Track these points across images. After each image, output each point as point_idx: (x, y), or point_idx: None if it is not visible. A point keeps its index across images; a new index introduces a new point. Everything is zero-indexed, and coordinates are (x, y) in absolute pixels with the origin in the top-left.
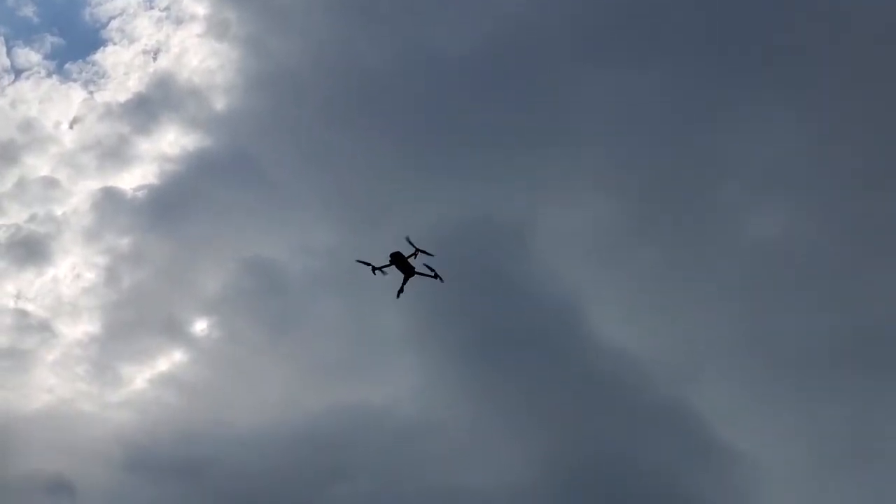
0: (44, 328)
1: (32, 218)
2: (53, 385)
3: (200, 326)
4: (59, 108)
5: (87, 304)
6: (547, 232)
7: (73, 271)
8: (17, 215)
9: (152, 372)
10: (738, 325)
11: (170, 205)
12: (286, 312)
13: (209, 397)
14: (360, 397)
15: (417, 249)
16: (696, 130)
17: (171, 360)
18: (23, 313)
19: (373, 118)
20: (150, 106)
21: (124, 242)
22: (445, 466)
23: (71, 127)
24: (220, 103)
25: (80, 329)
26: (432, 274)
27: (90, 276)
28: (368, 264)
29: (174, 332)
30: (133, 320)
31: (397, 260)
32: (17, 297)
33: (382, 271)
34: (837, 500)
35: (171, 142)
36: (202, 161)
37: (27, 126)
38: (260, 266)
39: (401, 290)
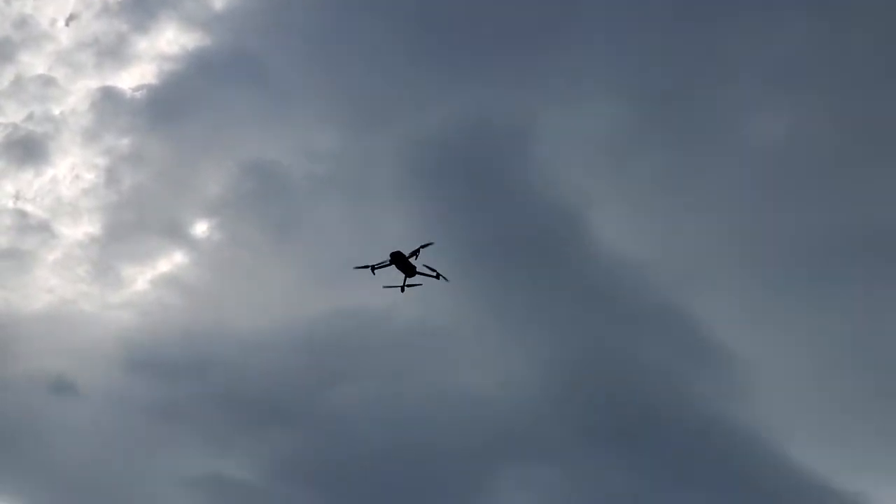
0: (44, 229)
1: (30, 117)
2: (55, 286)
3: (201, 228)
4: (55, 4)
5: (87, 205)
6: (549, 136)
7: (73, 172)
8: (14, 114)
9: (153, 273)
10: (740, 229)
11: (170, 105)
12: (287, 215)
13: (210, 299)
14: (360, 301)
15: (420, 247)
16: (701, 31)
17: (172, 261)
18: (22, 214)
19: (377, 19)
20: (148, 3)
21: (124, 143)
22: (446, 369)
23: (67, 24)
24: (219, 1)
25: (80, 230)
26: (434, 274)
27: (90, 176)
28: (366, 267)
29: (175, 233)
30: (133, 222)
31: (397, 260)
32: (17, 197)
33: (376, 269)
34: (834, 402)
35: (170, 40)
36: (202, 61)
37: (22, 23)
38: (261, 168)
39: (404, 287)
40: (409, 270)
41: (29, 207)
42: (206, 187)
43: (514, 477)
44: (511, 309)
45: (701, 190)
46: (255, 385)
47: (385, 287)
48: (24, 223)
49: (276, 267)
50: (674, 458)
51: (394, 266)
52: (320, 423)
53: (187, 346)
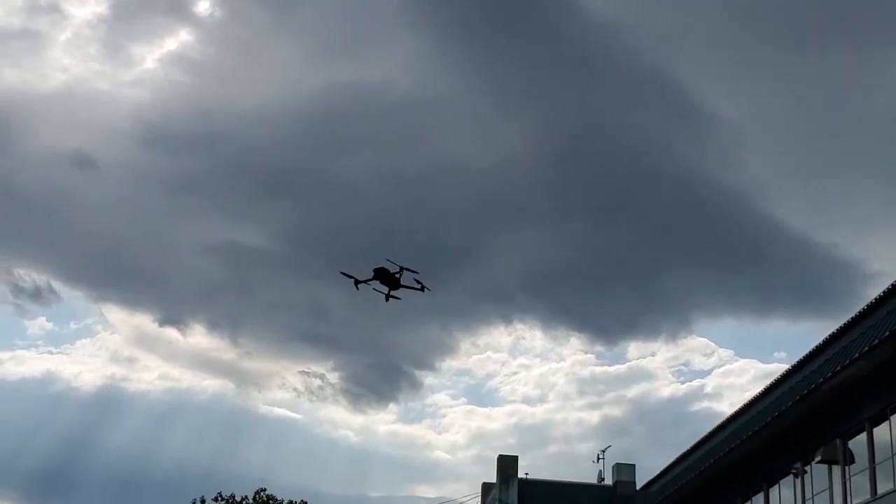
0: (53, 9)
1: None
2: (67, 65)
3: (204, 6)
4: None
5: None
6: None
7: None
8: None
9: (161, 51)
10: None
11: None
12: None
13: (217, 75)
14: (360, 74)
15: (402, 268)
16: None
17: (179, 39)
18: None
19: None
20: None
21: None
22: (444, 139)
23: None
24: None
25: (88, 10)
26: (419, 287)
27: None
28: (352, 277)
29: (179, 11)
30: (139, 0)
31: (381, 275)
32: None
33: (367, 284)
34: (814, 162)
35: None
36: None
37: None
38: None
39: (388, 297)
40: (394, 284)
41: None
42: None
43: (507, 242)
44: (504, 79)
45: None
46: (262, 157)
47: (342, 273)
48: (35, 4)
49: (279, 41)
50: (660, 221)
51: (378, 280)
52: (324, 192)
53: (197, 121)
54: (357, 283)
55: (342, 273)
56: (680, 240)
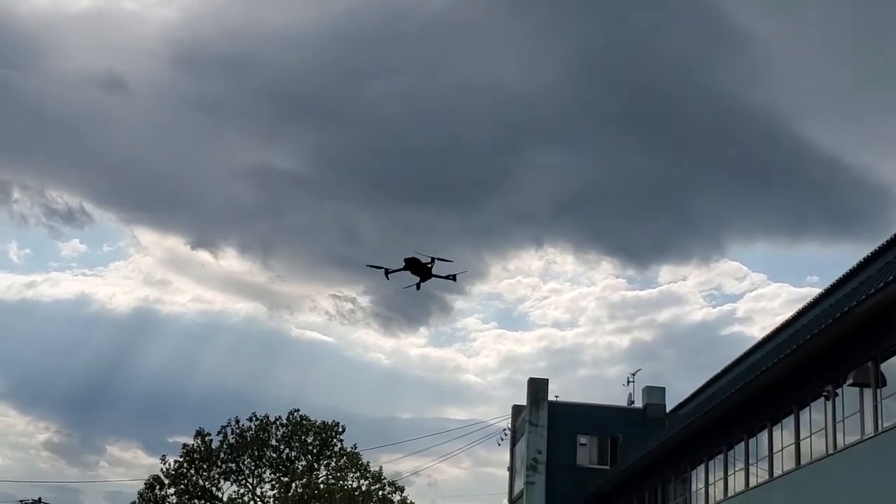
0: None
1: None
2: None
3: None
4: None
5: None
6: None
7: None
8: None
9: None
10: None
11: None
12: None
13: None
14: None
15: (433, 258)
16: None
17: None
18: None
19: None
20: None
21: None
22: (475, 61)
23: None
24: None
25: None
26: (451, 276)
27: None
28: (380, 268)
29: None
30: None
31: (412, 265)
32: None
33: (391, 274)
34: (847, 82)
35: None
36: None
37: None
38: None
39: (419, 286)
40: (425, 274)
41: None
42: None
43: (539, 165)
44: (535, 2)
45: None
46: (293, 80)
47: (368, 266)
48: None
49: None
50: (693, 142)
51: (409, 271)
52: (358, 114)
53: (227, 42)
54: (387, 272)
55: (369, 266)
56: (713, 161)
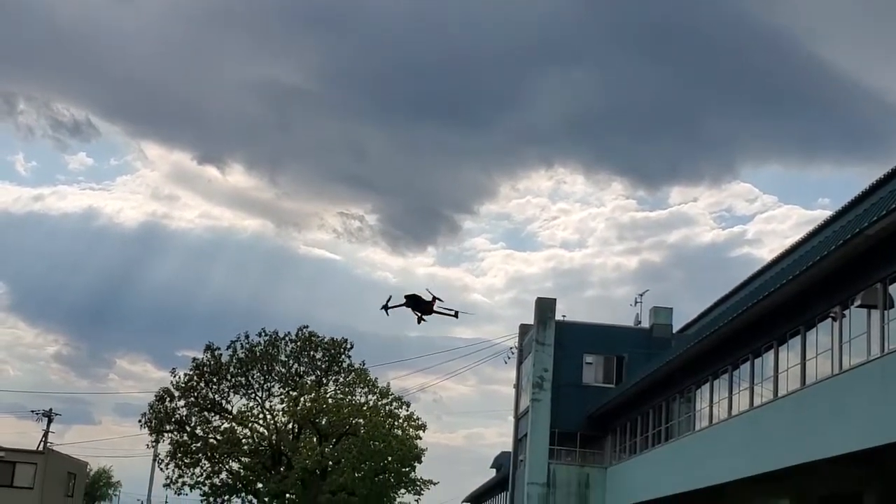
0: None
1: None
2: None
3: None
4: None
5: None
6: None
7: None
8: None
9: None
10: None
11: None
12: None
13: None
14: None
15: (435, 297)
16: None
17: None
18: None
19: None
20: None
21: None
22: None
23: None
24: None
25: None
26: (452, 312)
27: None
28: (392, 307)
29: None
30: None
31: (415, 302)
32: None
33: (390, 309)
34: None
35: None
36: None
37: None
38: None
39: (420, 320)
40: (426, 310)
41: None
42: None
43: (550, 85)
44: None
45: None
46: None
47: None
48: None
49: None
50: (705, 63)
51: (409, 307)
52: (366, 30)
53: None
54: (387, 307)
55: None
56: (726, 82)
